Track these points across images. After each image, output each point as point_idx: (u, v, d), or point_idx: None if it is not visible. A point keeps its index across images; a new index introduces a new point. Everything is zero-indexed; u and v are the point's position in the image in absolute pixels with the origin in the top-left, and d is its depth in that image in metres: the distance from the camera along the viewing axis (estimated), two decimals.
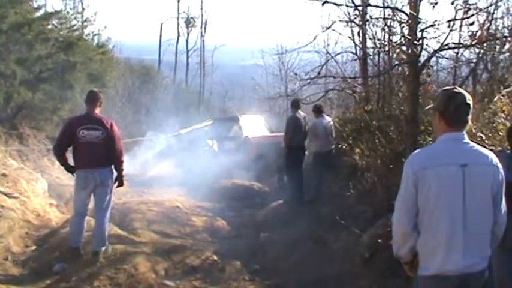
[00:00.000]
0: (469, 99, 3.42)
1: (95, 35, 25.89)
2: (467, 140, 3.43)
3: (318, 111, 11.29)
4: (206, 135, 19.15)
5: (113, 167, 7.52)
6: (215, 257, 7.90)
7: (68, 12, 24.17)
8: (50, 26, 20.59)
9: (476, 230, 3.35)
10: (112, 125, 7.40)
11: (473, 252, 3.35)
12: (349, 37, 13.33)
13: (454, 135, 3.41)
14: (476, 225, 3.35)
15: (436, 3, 8.14)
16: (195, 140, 18.88)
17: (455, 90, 3.48)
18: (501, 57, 9.66)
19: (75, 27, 23.62)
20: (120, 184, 7.77)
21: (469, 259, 3.34)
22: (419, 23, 8.58)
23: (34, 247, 8.38)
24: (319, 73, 11.30)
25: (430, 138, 8.17)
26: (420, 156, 3.46)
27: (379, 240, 7.21)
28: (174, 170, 17.30)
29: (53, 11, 21.45)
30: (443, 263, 3.36)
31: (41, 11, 20.68)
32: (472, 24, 8.41)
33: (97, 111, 7.44)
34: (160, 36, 42.07)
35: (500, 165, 3.44)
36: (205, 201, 12.45)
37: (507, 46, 9.24)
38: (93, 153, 7.22)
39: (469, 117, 3.44)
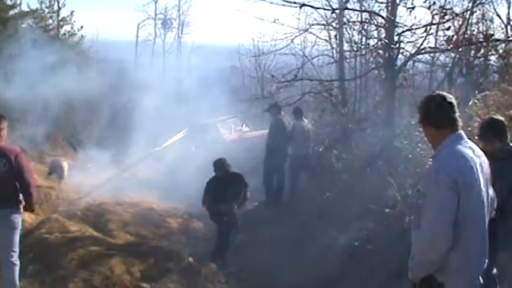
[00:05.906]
0: (450, 97, 3.21)
1: (71, 34, 25.62)
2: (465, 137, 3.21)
3: (298, 114, 11.26)
4: (190, 143, 18.72)
5: (21, 206, 6.08)
6: (191, 259, 7.85)
7: (43, 11, 23.84)
8: (25, 25, 20.36)
9: (486, 239, 3.09)
10: (18, 155, 5.97)
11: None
12: (326, 40, 13.48)
13: (458, 135, 3.14)
14: (486, 232, 3.08)
15: (413, 8, 8.27)
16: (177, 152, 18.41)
17: (435, 93, 3.35)
18: (476, 61, 9.79)
19: (50, 27, 23.37)
20: (28, 208, 6.18)
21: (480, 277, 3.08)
22: (396, 27, 8.70)
23: None
24: (296, 76, 11.36)
25: (406, 142, 8.23)
26: (451, 161, 3.04)
27: (356, 243, 7.25)
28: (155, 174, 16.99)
29: (28, 9, 21.23)
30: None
31: (16, 10, 20.45)
32: (448, 29, 8.55)
33: None
34: (137, 36, 41.67)
35: None
36: (181, 204, 12.35)
37: (482, 51, 9.37)
38: None
39: (457, 114, 3.18)
